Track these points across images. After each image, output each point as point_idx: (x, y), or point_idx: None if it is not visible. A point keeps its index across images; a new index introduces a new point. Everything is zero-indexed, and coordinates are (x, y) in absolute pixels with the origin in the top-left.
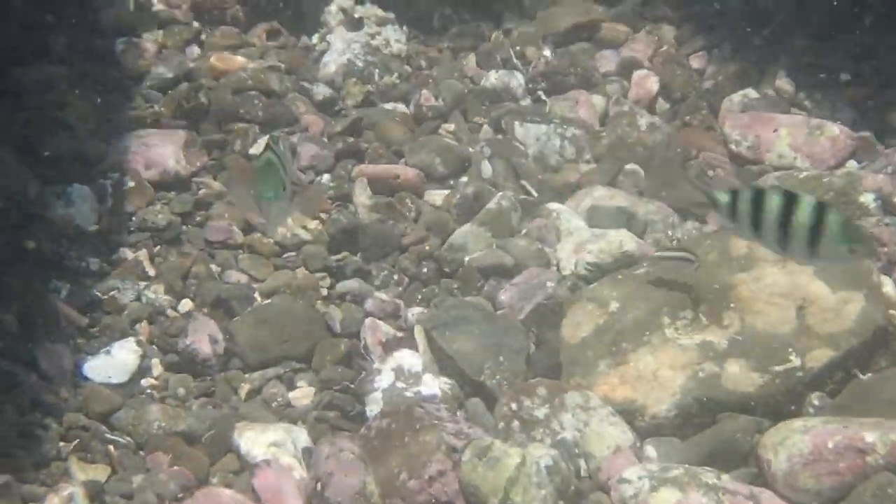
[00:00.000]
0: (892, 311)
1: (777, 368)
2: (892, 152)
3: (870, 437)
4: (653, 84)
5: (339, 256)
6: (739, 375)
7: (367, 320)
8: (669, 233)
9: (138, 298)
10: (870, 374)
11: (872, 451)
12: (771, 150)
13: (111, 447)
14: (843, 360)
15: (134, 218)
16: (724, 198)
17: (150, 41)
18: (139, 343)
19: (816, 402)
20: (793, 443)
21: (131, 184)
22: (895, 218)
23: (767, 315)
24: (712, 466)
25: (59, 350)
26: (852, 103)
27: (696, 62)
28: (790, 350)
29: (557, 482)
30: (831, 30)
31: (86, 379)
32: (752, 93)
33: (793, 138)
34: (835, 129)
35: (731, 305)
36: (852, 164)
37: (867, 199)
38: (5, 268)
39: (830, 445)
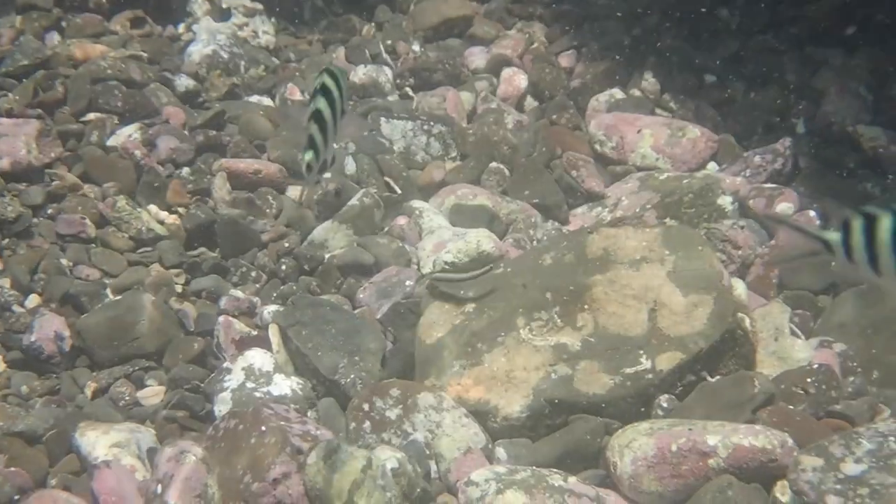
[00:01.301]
0: (741, 315)
1: (628, 371)
2: (750, 155)
3: (712, 439)
4: (521, 82)
5: (195, 252)
6: (591, 377)
7: (221, 318)
8: (531, 232)
9: None
10: (718, 377)
11: (714, 454)
12: (634, 150)
13: None
14: (692, 363)
15: None
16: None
17: (6, 27)
18: None
19: (665, 405)
20: (638, 445)
21: None
22: (750, 221)
23: (620, 317)
24: (563, 468)
25: None
26: (716, 105)
27: (565, 61)
28: (641, 352)
29: (403, 484)
30: (698, 32)
31: None
32: (618, 93)
33: (655, 139)
34: (696, 130)
35: (586, 307)
36: (712, 166)
37: (725, 201)
38: None
39: (674, 448)
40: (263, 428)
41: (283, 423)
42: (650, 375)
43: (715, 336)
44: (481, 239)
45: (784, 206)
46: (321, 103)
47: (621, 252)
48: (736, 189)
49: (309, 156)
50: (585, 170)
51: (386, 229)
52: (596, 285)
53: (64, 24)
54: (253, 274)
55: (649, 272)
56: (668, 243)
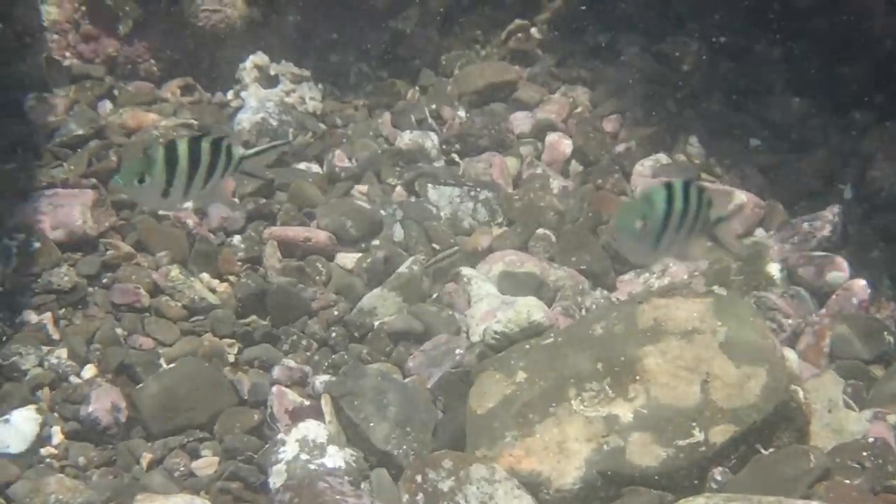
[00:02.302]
0: (794, 387)
1: (681, 443)
2: (798, 222)
3: None
4: (566, 147)
5: (247, 321)
6: (644, 449)
7: (275, 388)
8: (579, 300)
9: (41, 364)
10: (772, 450)
11: None
12: None
13: None
14: (746, 436)
15: (39, 280)
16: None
17: (61, 96)
18: (40, 410)
19: (719, 478)
20: None
21: (37, 244)
22: (800, 289)
23: (672, 388)
24: None
25: None
26: (762, 170)
27: (609, 125)
28: (694, 424)
29: None
30: (743, 96)
31: None
32: (663, 158)
33: None
34: (743, 196)
35: (637, 378)
36: (760, 233)
37: (773, 269)
38: None
39: None
40: (319, 502)
41: (338, 497)
42: (703, 448)
43: (768, 408)
44: (531, 308)
45: (834, 275)
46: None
47: (672, 322)
48: (784, 256)
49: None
50: None
51: (434, 297)
52: (647, 356)
53: (116, 92)
54: (304, 342)
55: (701, 343)
56: (720, 313)
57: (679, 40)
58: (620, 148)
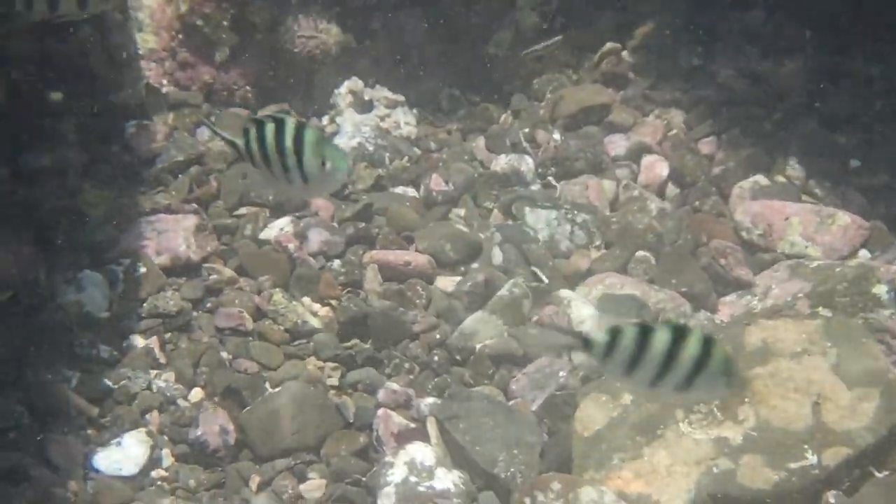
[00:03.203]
0: None
1: (793, 465)
2: None
3: None
4: (662, 169)
5: (349, 344)
6: (755, 472)
7: (380, 411)
8: (681, 322)
9: (149, 387)
10: (886, 473)
11: None
12: (783, 238)
13: None
14: (860, 458)
15: (145, 304)
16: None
17: (160, 124)
18: (150, 433)
19: (833, 501)
20: None
21: (143, 269)
22: None
23: (783, 411)
24: None
25: (70, 441)
26: (864, 191)
27: (705, 147)
28: (805, 447)
29: None
30: (839, 115)
31: (96, 471)
32: (762, 179)
33: (804, 227)
34: (846, 217)
35: (746, 400)
36: (864, 254)
37: (880, 290)
38: (17, 356)
39: None
40: None
41: None
42: (816, 471)
43: (882, 430)
44: None
45: None
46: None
47: (781, 344)
48: (891, 277)
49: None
50: (733, 258)
51: (535, 319)
52: (756, 378)
53: (213, 119)
54: (406, 365)
55: (811, 365)
56: (829, 335)
57: (774, 60)
58: (717, 170)
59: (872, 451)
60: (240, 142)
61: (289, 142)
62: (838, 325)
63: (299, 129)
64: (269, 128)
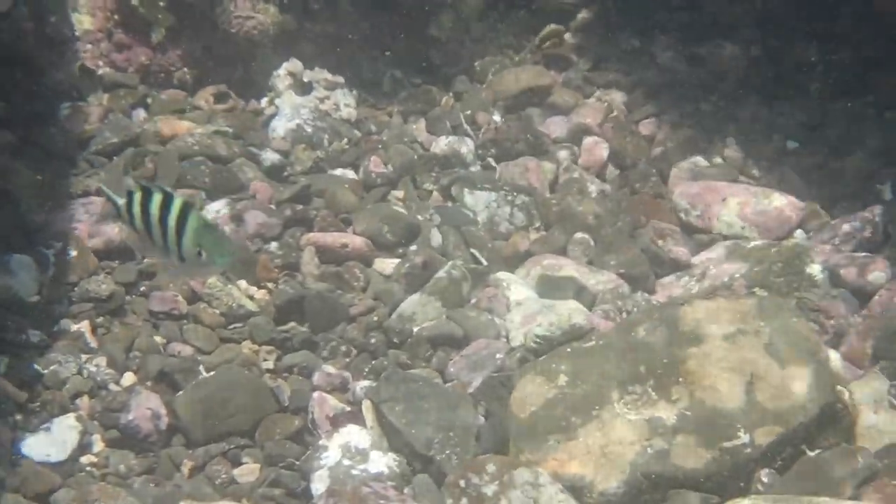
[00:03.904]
0: (840, 387)
1: (726, 444)
2: (838, 223)
3: None
4: (603, 151)
5: (285, 327)
6: (688, 451)
7: (315, 394)
8: (619, 303)
9: (80, 372)
10: (818, 451)
11: None
12: (720, 218)
13: None
14: (792, 437)
15: (76, 288)
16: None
17: (95, 105)
18: (79, 419)
19: (765, 479)
20: None
21: (74, 253)
22: (842, 290)
23: (716, 390)
24: None
25: None
26: (800, 172)
27: (645, 129)
28: (738, 426)
29: None
30: (778, 98)
31: (24, 457)
32: (700, 160)
33: (741, 207)
34: (782, 198)
35: (680, 380)
36: (800, 235)
37: (814, 270)
38: None
39: None
40: None
41: (382, 501)
42: (749, 450)
43: (814, 409)
44: (572, 311)
45: (876, 275)
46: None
47: (715, 325)
48: (825, 258)
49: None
50: (672, 239)
51: (473, 301)
52: (690, 358)
53: (149, 100)
54: (343, 348)
55: (745, 344)
56: (763, 315)
57: (713, 43)
58: (657, 151)
59: (804, 430)
60: (121, 201)
61: (172, 222)
62: (771, 305)
63: (184, 211)
64: (156, 199)
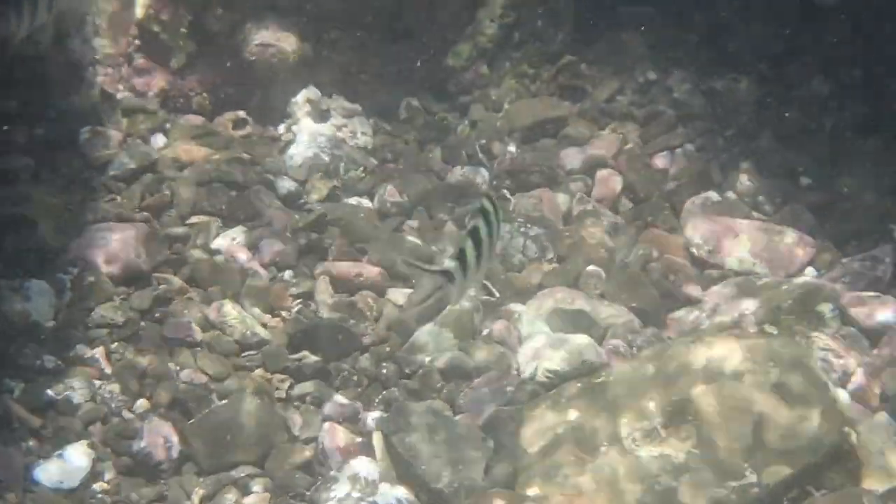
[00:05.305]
0: (847, 428)
1: (733, 484)
2: (849, 262)
3: None
4: (616, 183)
5: (298, 356)
6: (696, 490)
7: (326, 424)
8: (629, 337)
9: (93, 398)
10: (824, 491)
11: None
12: (731, 254)
13: None
14: (799, 478)
15: (92, 314)
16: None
17: (114, 130)
18: (92, 445)
19: None
20: None
21: (91, 279)
22: (852, 329)
23: (724, 430)
24: None
25: (10, 453)
26: (813, 209)
27: (659, 162)
28: (746, 466)
29: None
30: (793, 134)
31: (36, 483)
32: (713, 195)
33: (753, 243)
34: (793, 235)
35: (689, 418)
36: (810, 272)
37: (825, 308)
38: None
39: None
40: None
41: None
42: (756, 489)
43: (821, 450)
44: (583, 346)
45: (887, 315)
46: (479, 222)
47: (725, 363)
48: (836, 296)
49: (452, 264)
50: (683, 274)
51: (485, 333)
52: (700, 396)
53: (168, 125)
54: (354, 378)
55: (753, 383)
56: (772, 354)
57: (729, 77)
58: (671, 185)
59: (811, 471)
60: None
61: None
62: (781, 345)
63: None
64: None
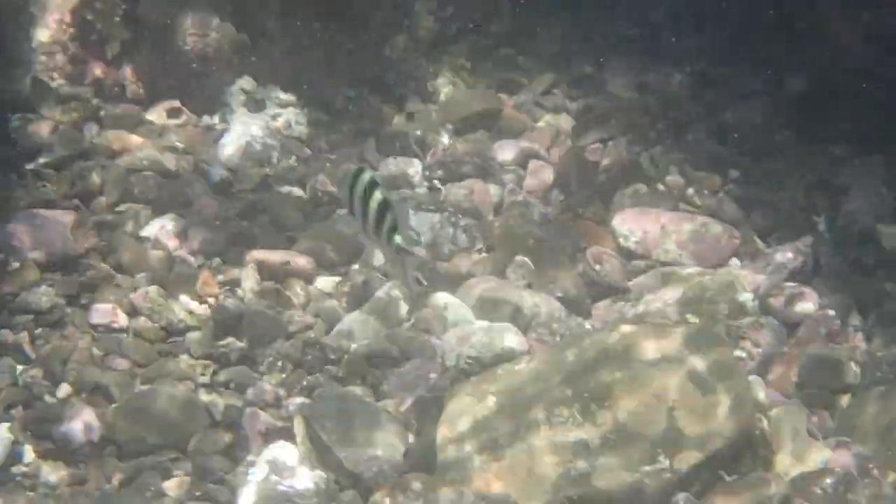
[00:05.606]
0: (759, 415)
1: (646, 468)
2: (772, 253)
3: None
4: (548, 175)
5: (223, 342)
6: (610, 474)
7: (248, 409)
8: (554, 326)
9: (15, 382)
10: (735, 476)
11: None
12: (658, 245)
13: None
14: (710, 463)
15: (17, 299)
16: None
17: (46, 118)
18: (11, 429)
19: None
20: None
21: (16, 264)
22: (771, 319)
23: (639, 415)
24: None
25: None
26: (739, 202)
27: (591, 154)
28: (659, 451)
29: None
30: (722, 128)
31: None
32: (643, 187)
33: (679, 235)
34: (719, 227)
35: (606, 404)
36: (734, 263)
37: (745, 297)
38: None
39: None
40: None
41: None
42: (668, 474)
43: (732, 436)
44: (506, 334)
45: (804, 306)
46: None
47: (642, 350)
48: (756, 286)
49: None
50: (609, 264)
51: (412, 321)
52: (616, 383)
53: (102, 114)
54: (279, 364)
55: (669, 371)
56: (689, 342)
57: (663, 71)
58: (602, 177)
59: (722, 456)
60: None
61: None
62: (699, 332)
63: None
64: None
